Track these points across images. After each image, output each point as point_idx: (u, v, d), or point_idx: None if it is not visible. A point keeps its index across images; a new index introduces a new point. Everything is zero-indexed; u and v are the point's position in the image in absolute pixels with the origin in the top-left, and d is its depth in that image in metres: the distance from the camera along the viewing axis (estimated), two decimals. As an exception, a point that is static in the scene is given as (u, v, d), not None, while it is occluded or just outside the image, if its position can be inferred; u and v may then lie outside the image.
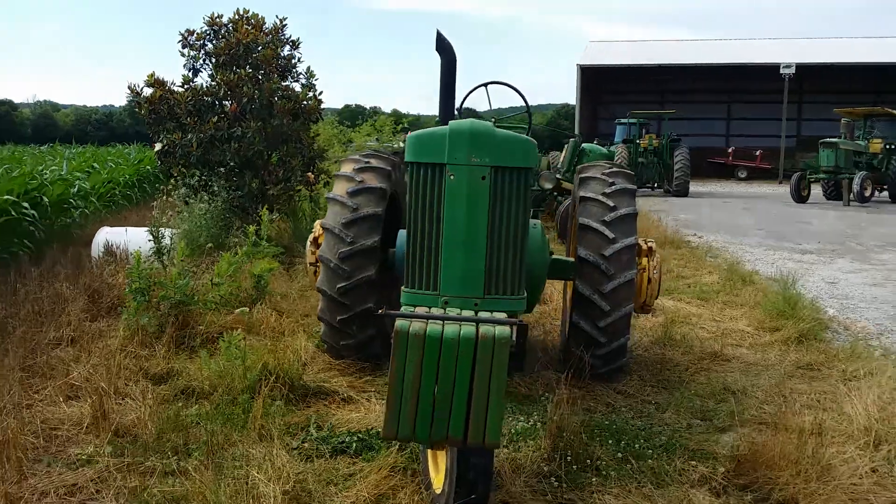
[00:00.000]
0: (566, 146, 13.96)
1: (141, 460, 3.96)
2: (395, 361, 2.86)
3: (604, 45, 45.22)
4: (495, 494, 3.73)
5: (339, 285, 5.21)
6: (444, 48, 3.96)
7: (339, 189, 5.39)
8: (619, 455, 4.23)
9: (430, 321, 2.90)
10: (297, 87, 11.13)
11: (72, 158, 17.99)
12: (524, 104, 5.81)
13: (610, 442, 4.40)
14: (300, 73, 11.25)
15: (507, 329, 2.85)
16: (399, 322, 2.88)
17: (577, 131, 40.88)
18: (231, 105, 10.19)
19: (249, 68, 10.38)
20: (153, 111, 10.29)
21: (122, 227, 9.66)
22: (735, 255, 12.32)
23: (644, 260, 5.71)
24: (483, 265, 3.46)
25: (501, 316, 3.06)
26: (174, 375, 5.25)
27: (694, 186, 29.61)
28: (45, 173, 12.29)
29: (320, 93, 10.99)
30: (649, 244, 5.79)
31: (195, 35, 10.55)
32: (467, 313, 3.09)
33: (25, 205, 8.78)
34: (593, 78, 40.94)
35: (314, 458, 4.03)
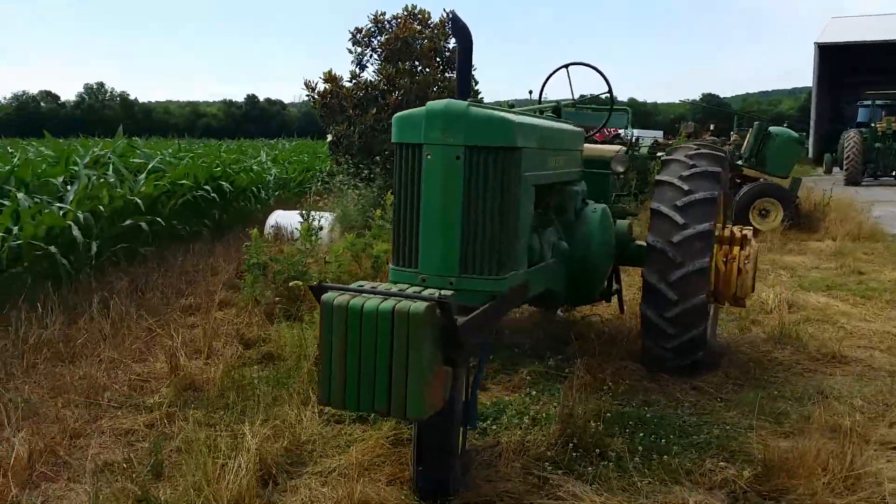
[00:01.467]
0: (750, 130, 13.00)
1: (193, 412, 4.45)
2: (322, 332, 3.01)
3: (848, 21, 40.87)
4: (484, 472, 3.75)
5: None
6: (460, 31, 3.98)
7: None
8: (640, 447, 4.03)
9: (357, 295, 3.02)
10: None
11: (283, 150, 19.89)
12: (607, 86, 5.61)
13: (641, 434, 4.20)
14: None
15: (422, 305, 2.88)
16: (326, 295, 3.03)
17: (812, 115, 37.47)
18: (393, 97, 10.73)
19: (410, 62, 10.86)
20: (325, 105, 11.13)
21: (293, 210, 10.60)
22: (946, 251, 10.79)
23: (735, 249, 5.33)
24: (458, 244, 3.49)
25: (447, 293, 3.09)
26: (262, 342, 5.77)
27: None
28: (250, 162, 13.76)
29: (476, 83, 11.23)
30: (744, 232, 5.38)
31: (362, 32, 11.23)
32: (428, 292, 3.12)
33: (207, 187, 9.96)
34: (835, 57, 37.25)
35: (334, 424, 4.29)
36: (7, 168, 8.35)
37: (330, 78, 11.23)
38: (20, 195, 7.23)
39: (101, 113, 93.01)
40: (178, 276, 7.67)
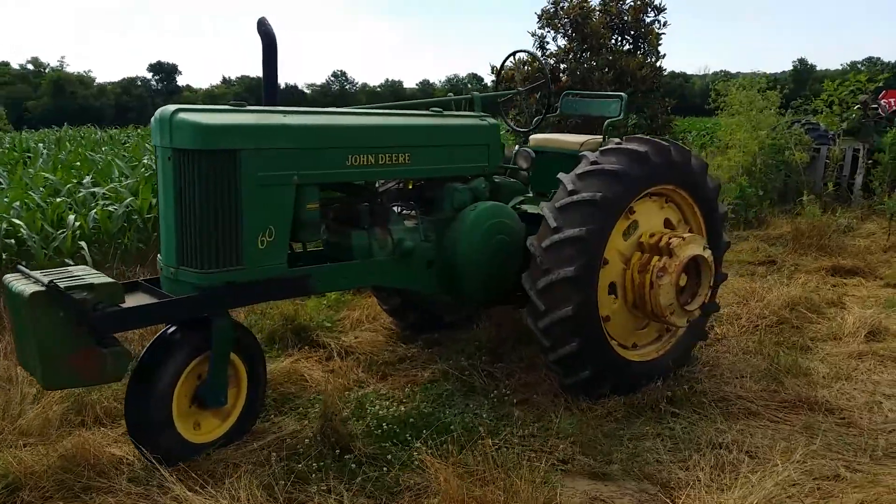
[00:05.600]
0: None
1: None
2: (6, 306, 3.67)
3: None
4: (220, 453, 3.99)
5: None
6: (265, 32, 4.15)
7: None
8: (389, 456, 3.94)
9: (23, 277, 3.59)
10: (645, 56, 10.77)
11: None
12: (544, 73, 5.07)
13: (417, 444, 4.06)
14: (658, 37, 10.87)
15: (29, 290, 3.35)
16: (6, 276, 3.66)
17: None
18: (562, 80, 10.56)
19: (580, 42, 10.55)
20: (507, 88, 11.32)
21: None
22: None
23: (654, 259, 4.64)
24: (174, 239, 3.82)
25: (97, 280, 3.50)
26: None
27: None
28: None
29: (662, 56, 10.49)
30: (670, 241, 4.63)
31: (545, 15, 11.14)
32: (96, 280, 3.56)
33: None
34: None
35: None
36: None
37: (518, 62, 11.37)
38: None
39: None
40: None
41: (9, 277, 3.63)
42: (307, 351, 5.58)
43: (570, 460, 4.00)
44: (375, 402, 4.61)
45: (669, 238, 4.66)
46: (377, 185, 4.96)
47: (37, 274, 3.59)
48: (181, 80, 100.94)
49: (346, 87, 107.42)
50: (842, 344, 5.66)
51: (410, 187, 5.04)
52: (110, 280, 3.62)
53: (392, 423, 4.27)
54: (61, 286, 3.39)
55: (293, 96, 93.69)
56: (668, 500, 3.60)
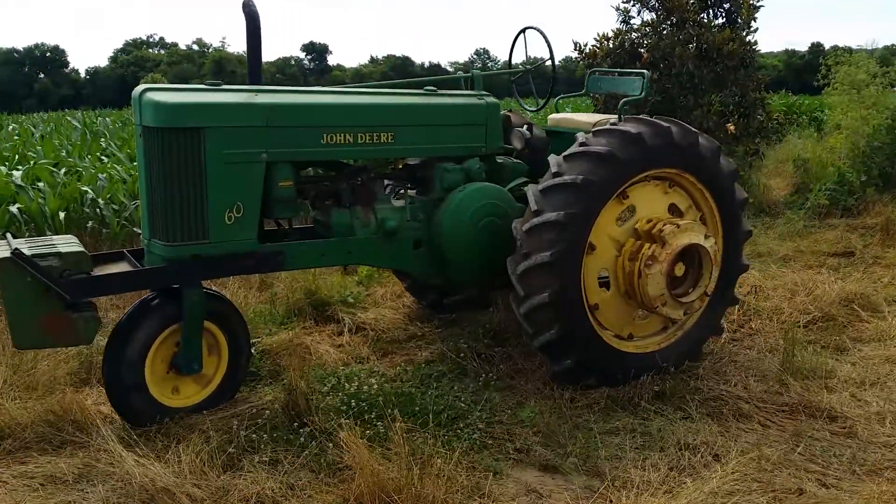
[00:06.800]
0: None
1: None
2: None
3: None
4: (190, 420, 4.17)
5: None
6: (249, 13, 4.22)
7: None
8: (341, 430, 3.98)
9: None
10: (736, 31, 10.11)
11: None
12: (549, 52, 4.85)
13: (377, 424, 4.09)
14: (754, 10, 10.20)
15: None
16: None
17: None
18: (643, 56, 10.10)
19: (662, 16, 10.04)
20: (588, 66, 10.96)
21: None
22: None
23: (646, 247, 4.42)
24: (147, 212, 4.01)
25: (66, 249, 3.74)
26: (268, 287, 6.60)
27: None
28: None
29: (754, 30, 9.82)
30: (661, 227, 4.39)
31: (630, -11, 10.65)
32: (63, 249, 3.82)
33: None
34: None
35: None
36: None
37: (602, 38, 10.97)
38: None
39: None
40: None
41: None
42: (321, 325, 5.72)
43: (527, 450, 3.91)
44: (356, 379, 4.64)
45: (663, 225, 4.40)
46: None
47: (16, 242, 3.87)
48: (332, 60, 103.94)
49: (488, 63, 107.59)
50: (885, 346, 5.16)
51: (401, 167, 5.02)
52: (79, 249, 3.86)
53: (363, 401, 4.31)
54: (28, 254, 3.65)
55: (435, 73, 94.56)
56: (606, 500, 3.45)
